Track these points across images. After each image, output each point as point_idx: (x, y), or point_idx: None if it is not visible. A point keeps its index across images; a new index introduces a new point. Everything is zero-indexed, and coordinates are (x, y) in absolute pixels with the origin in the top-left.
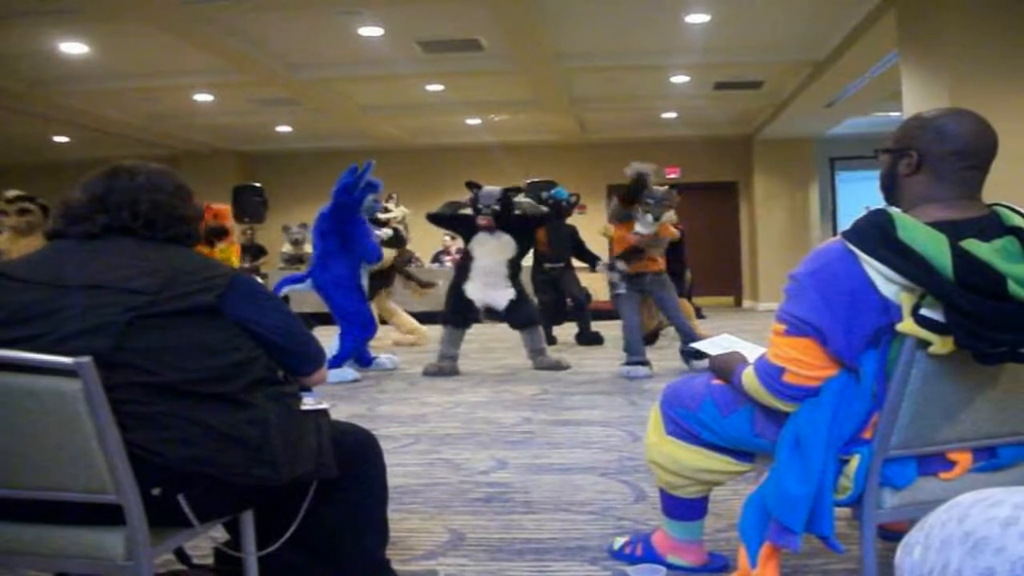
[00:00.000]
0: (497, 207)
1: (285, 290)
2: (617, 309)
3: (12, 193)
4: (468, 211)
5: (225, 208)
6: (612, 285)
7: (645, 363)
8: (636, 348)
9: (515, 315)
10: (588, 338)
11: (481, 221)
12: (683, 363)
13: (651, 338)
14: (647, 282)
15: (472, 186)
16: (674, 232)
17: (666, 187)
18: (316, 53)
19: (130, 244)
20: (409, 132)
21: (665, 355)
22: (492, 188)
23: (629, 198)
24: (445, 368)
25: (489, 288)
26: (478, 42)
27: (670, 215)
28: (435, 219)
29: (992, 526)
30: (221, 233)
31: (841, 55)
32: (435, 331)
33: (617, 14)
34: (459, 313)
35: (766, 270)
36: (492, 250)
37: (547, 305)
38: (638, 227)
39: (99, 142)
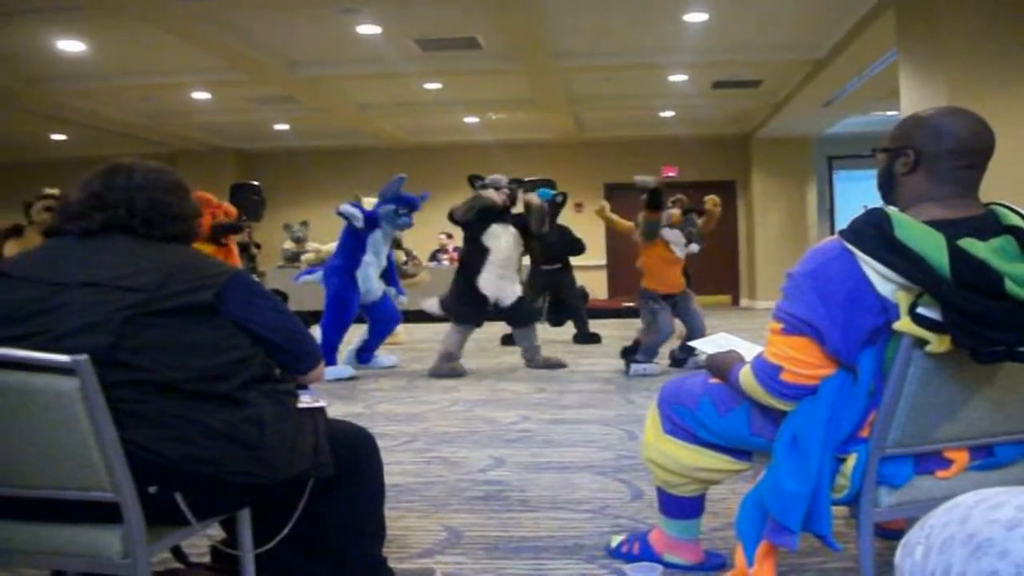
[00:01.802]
0: (507, 189)
1: (303, 280)
2: (652, 321)
3: (49, 191)
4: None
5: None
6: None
7: (651, 362)
8: (654, 352)
9: (517, 313)
10: (586, 337)
11: (498, 198)
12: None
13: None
14: (677, 299)
15: (476, 179)
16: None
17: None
18: (314, 51)
19: (128, 242)
20: (407, 130)
21: (665, 354)
22: (497, 175)
23: (653, 204)
24: (456, 369)
25: (503, 281)
26: (476, 40)
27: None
28: (457, 220)
29: (995, 528)
30: (233, 229)
31: (840, 54)
32: (425, 329)
33: (615, 13)
34: (474, 308)
35: (764, 269)
36: (509, 243)
37: (544, 308)
38: (677, 252)
39: (97, 140)
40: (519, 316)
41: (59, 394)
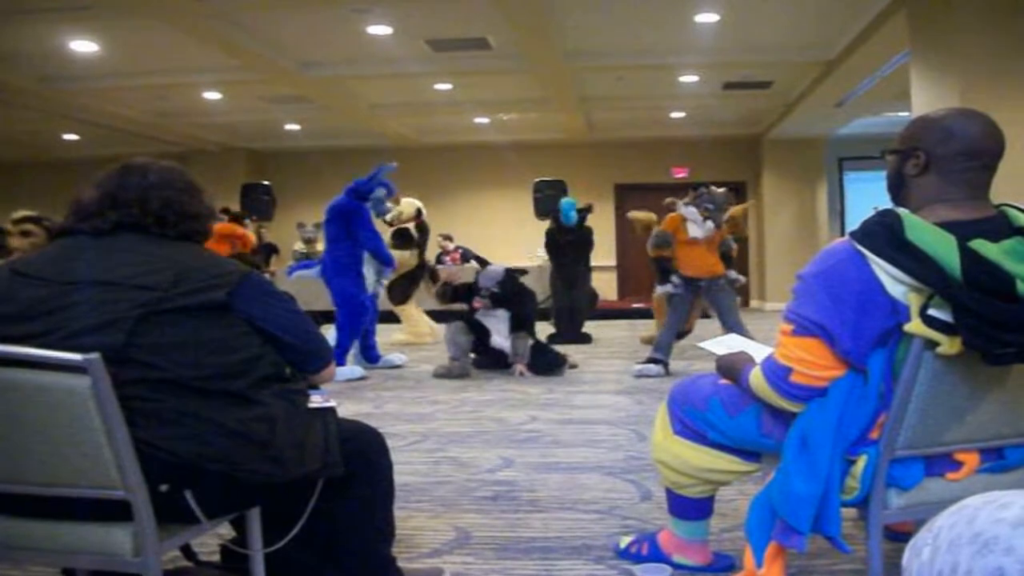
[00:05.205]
0: (496, 289)
1: (296, 275)
2: (668, 308)
3: (19, 214)
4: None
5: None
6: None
7: (660, 362)
8: (663, 348)
9: (537, 363)
10: (577, 336)
11: (476, 304)
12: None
13: (679, 335)
14: (703, 287)
15: (479, 261)
16: (728, 233)
17: (723, 190)
18: (325, 51)
19: (141, 241)
20: (417, 131)
21: (672, 355)
22: (495, 269)
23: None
24: (454, 369)
25: (500, 336)
26: (487, 41)
27: (726, 215)
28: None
29: (1002, 526)
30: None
31: (851, 55)
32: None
33: (626, 13)
34: (470, 313)
35: (774, 270)
36: (495, 324)
37: (563, 306)
38: (692, 231)
39: (108, 140)
40: (539, 365)
41: (71, 392)
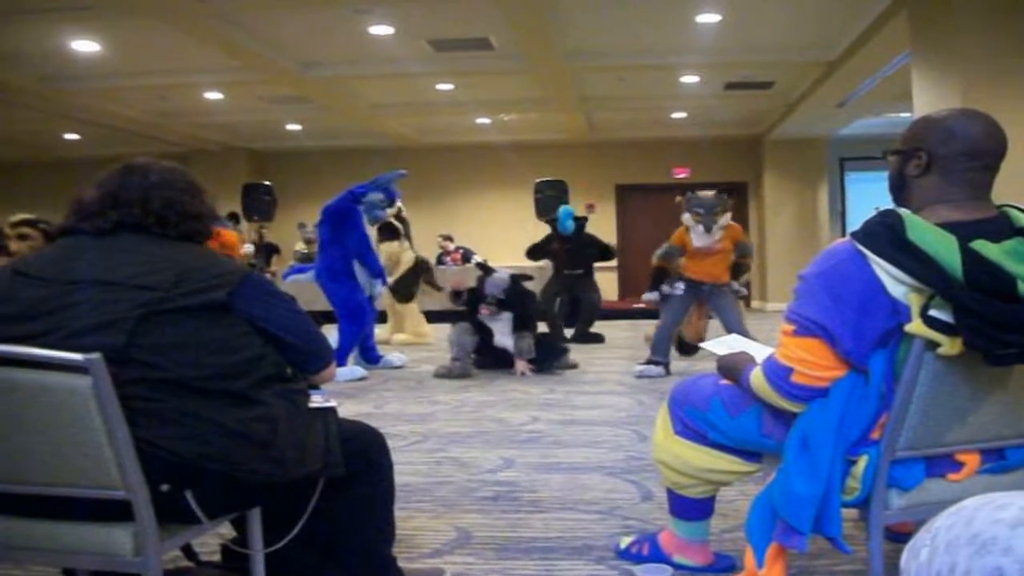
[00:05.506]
0: (502, 296)
1: (291, 279)
2: (663, 308)
3: (16, 217)
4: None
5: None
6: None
7: (660, 363)
8: (660, 349)
9: (541, 359)
10: (586, 337)
11: (483, 311)
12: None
13: (690, 349)
14: (704, 291)
15: (483, 268)
16: (744, 237)
17: (712, 192)
18: (326, 51)
19: (142, 241)
20: (418, 131)
21: (674, 355)
22: (501, 276)
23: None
24: (455, 370)
25: (504, 336)
26: (488, 41)
27: (726, 219)
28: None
29: (1000, 527)
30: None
31: (852, 55)
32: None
33: (627, 13)
34: (473, 314)
35: (775, 270)
36: (499, 325)
37: (561, 308)
38: (695, 241)
39: (109, 139)
40: (543, 362)
41: (72, 392)
